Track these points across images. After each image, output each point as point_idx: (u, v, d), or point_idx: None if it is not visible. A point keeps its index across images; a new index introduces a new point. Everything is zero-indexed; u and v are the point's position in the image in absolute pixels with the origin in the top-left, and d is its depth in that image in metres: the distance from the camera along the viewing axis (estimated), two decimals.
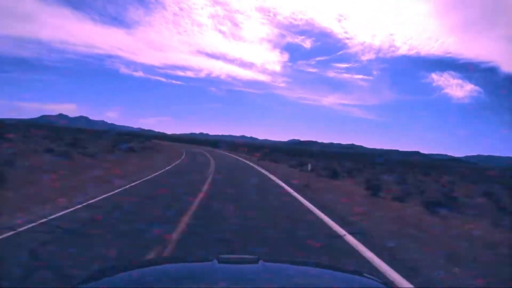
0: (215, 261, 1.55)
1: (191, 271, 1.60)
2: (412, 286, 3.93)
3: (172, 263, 1.98)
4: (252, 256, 1.67)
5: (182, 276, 1.50)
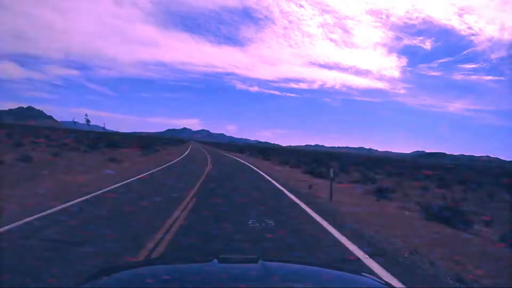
0: (215, 261, 1.58)
1: (191, 271, 1.62)
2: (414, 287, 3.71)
3: (172, 263, 1.98)
4: (252, 256, 1.72)
5: (182, 276, 1.51)
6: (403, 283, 3.91)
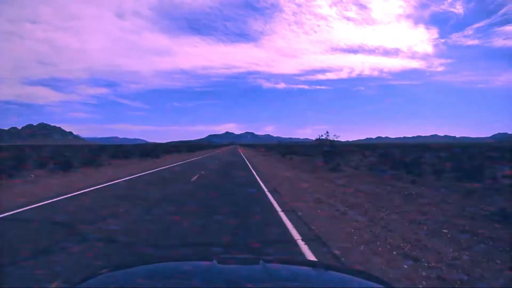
0: (215, 261, 1.73)
1: (191, 271, 1.71)
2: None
3: (172, 263, 2.07)
4: (253, 257, 2.06)
5: (182, 276, 1.63)
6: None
